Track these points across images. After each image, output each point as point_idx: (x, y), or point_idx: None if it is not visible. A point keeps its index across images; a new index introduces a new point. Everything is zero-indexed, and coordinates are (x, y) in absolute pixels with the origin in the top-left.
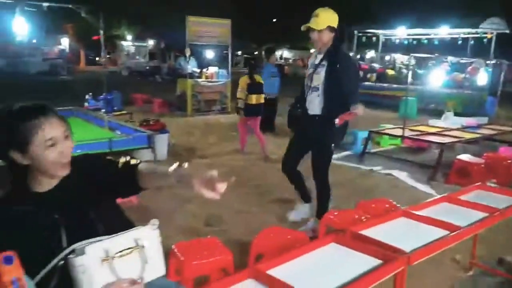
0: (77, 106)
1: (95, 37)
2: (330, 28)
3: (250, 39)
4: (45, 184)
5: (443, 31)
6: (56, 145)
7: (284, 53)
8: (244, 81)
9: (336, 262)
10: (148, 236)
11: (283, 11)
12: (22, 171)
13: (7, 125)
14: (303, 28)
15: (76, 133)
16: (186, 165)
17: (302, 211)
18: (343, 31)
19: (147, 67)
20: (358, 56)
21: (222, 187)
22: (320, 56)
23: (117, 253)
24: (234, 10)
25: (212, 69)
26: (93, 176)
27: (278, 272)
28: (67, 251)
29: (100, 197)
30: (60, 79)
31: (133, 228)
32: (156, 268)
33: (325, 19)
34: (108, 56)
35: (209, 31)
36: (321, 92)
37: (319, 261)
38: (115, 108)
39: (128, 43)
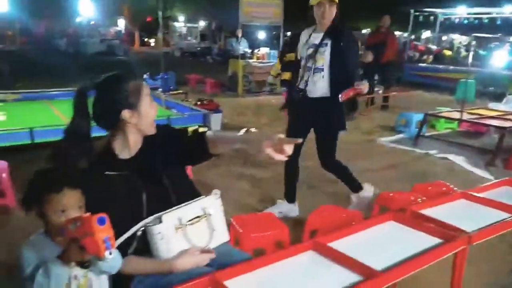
0: None
1: (148, 19)
2: (337, 4)
3: (301, 19)
4: (131, 150)
5: (507, 10)
6: (153, 103)
7: None
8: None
9: (395, 239)
10: (212, 204)
11: None
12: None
13: (120, 87)
14: (314, 1)
15: None
16: (253, 129)
17: (283, 207)
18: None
19: (198, 48)
20: (413, 37)
21: (289, 148)
22: (319, 35)
23: (188, 221)
24: None
25: (264, 50)
26: (169, 145)
27: (338, 245)
28: (148, 219)
29: (175, 164)
30: (117, 59)
31: (199, 198)
32: (221, 235)
33: None
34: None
35: (261, 12)
36: (326, 72)
37: (378, 237)
38: (171, 87)
39: (180, 24)
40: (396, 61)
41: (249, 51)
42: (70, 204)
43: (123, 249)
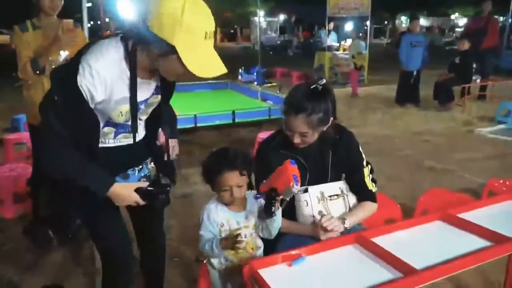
0: (232, 79)
1: (226, 14)
2: None
3: (383, 8)
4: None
5: None
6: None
7: (421, 21)
8: None
9: (441, 239)
10: (347, 187)
11: None
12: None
13: None
14: None
15: (234, 103)
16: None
17: None
18: None
19: (278, 42)
20: None
21: (337, 227)
22: None
23: (329, 196)
24: None
25: (350, 42)
26: (341, 150)
27: (381, 240)
28: (301, 188)
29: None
30: None
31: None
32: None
33: None
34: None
35: (349, 3)
36: None
37: (422, 236)
38: (266, 80)
39: (260, 19)
40: (495, 48)
41: (337, 44)
42: (229, 183)
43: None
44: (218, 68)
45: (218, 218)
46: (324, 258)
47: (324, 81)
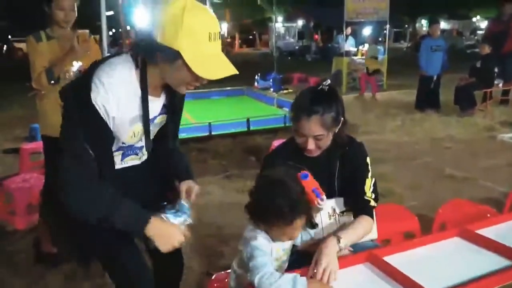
0: (248, 86)
1: (244, 21)
2: None
3: (402, 11)
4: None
5: None
6: None
7: (441, 24)
8: None
9: (457, 257)
10: None
11: None
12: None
13: None
14: None
15: (250, 110)
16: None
17: None
18: None
19: (296, 47)
20: None
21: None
22: None
23: (340, 212)
24: None
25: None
26: (353, 164)
27: (394, 259)
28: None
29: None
30: None
31: None
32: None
33: None
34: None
35: (367, 7)
36: None
37: (438, 255)
38: (282, 87)
39: (278, 24)
40: None
41: (355, 49)
42: (297, 230)
43: None
44: (226, 69)
45: (272, 250)
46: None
47: (329, 81)
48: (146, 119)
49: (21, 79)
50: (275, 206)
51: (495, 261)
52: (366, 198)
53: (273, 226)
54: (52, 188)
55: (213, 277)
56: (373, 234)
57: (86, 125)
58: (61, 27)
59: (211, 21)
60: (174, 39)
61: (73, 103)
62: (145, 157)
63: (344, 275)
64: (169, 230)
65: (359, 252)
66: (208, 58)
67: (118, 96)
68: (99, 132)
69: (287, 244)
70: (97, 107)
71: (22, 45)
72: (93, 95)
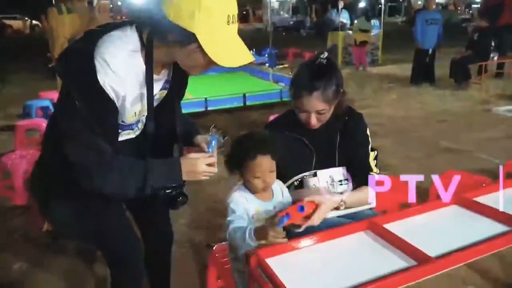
0: None
1: None
2: None
3: None
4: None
5: None
6: None
7: None
8: None
9: (456, 224)
10: None
11: None
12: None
13: None
14: None
15: (246, 85)
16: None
17: None
18: None
19: (291, 22)
20: None
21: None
22: None
23: (339, 181)
24: None
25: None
26: (349, 134)
27: (393, 227)
28: (308, 173)
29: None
30: None
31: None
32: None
33: None
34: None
35: None
36: None
37: (437, 222)
38: (277, 62)
39: None
40: None
41: (349, 22)
42: (263, 169)
43: None
44: (244, 56)
45: (249, 208)
46: (334, 245)
47: (326, 54)
48: (150, 99)
49: (13, 57)
50: (242, 146)
51: (493, 227)
52: (371, 170)
53: (243, 168)
54: (43, 161)
55: (214, 248)
56: (372, 203)
57: (93, 109)
58: (80, 0)
59: (230, 2)
60: (190, 20)
61: (79, 88)
62: (139, 131)
63: (344, 243)
64: (197, 164)
65: (360, 221)
66: (225, 43)
67: (124, 76)
68: (107, 116)
69: (269, 205)
70: (106, 90)
71: (11, 22)
72: (99, 77)
